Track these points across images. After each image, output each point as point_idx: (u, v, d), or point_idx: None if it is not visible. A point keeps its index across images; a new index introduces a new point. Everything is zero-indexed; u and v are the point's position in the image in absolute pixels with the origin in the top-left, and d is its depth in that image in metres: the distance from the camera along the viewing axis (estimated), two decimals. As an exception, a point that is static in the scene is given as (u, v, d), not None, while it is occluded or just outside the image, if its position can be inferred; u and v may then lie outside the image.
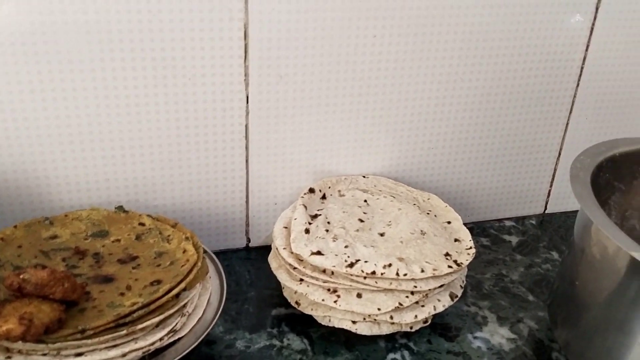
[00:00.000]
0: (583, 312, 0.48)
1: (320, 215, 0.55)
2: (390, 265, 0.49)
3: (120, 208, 0.52)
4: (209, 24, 0.50)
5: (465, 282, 0.54)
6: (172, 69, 0.51)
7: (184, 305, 0.44)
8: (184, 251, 0.48)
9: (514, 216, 0.69)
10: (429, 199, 0.60)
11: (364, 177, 0.61)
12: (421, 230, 0.54)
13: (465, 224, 0.56)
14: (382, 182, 0.61)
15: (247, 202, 0.59)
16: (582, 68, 0.63)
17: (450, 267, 0.50)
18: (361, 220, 0.55)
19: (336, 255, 0.50)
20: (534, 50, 0.60)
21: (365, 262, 0.49)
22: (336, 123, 0.58)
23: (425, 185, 0.64)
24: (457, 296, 0.52)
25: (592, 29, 0.61)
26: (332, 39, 0.54)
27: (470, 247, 0.53)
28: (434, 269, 0.49)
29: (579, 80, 0.63)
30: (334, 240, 0.51)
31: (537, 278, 0.60)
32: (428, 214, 0.57)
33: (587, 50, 0.62)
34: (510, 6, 0.57)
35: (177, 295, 0.44)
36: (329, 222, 0.54)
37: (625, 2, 0.61)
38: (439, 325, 0.53)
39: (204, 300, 0.47)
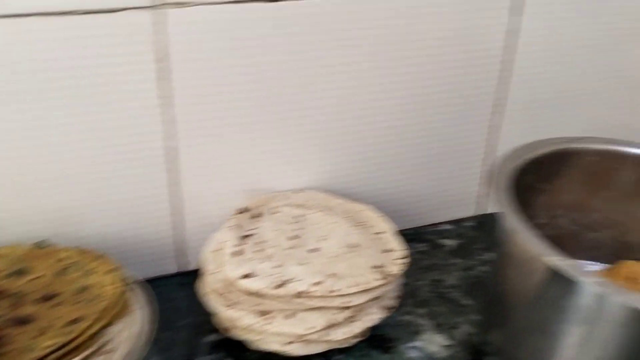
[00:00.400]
0: (511, 315, 0.48)
1: (252, 235, 0.55)
2: (320, 282, 0.48)
3: (40, 243, 0.50)
4: (119, 49, 0.49)
5: (401, 291, 0.54)
6: (88, 97, 0.50)
7: (105, 343, 0.43)
8: (108, 285, 0.46)
9: (451, 219, 0.70)
10: (362, 210, 0.60)
11: (298, 192, 0.61)
12: (353, 244, 0.54)
13: (402, 231, 0.56)
14: (316, 196, 0.61)
15: (180, 225, 0.58)
16: (511, 70, 0.64)
17: (381, 279, 0.50)
18: (295, 237, 0.55)
19: (267, 276, 0.49)
20: (453, 57, 0.61)
21: (296, 281, 0.49)
22: (268, 140, 0.58)
23: (361, 195, 0.64)
24: (391, 307, 0.52)
25: (517, 30, 0.62)
26: (254, 57, 0.54)
27: (403, 257, 0.53)
28: (365, 283, 0.49)
29: (501, 81, 0.64)
30: (266, 261, 0.51)
31: (474, 281, 0.60)
32: (361, 226, 0.57)
33: (515, 52, 0.63)
34: (429, 14, 0.58)
35: (99, 332, 0.43)
36: (261, 242, 0.54)
37: (552, 2, 0.62)
38: (375, 338, 0.53)
39: (130, 334, 0.45)
